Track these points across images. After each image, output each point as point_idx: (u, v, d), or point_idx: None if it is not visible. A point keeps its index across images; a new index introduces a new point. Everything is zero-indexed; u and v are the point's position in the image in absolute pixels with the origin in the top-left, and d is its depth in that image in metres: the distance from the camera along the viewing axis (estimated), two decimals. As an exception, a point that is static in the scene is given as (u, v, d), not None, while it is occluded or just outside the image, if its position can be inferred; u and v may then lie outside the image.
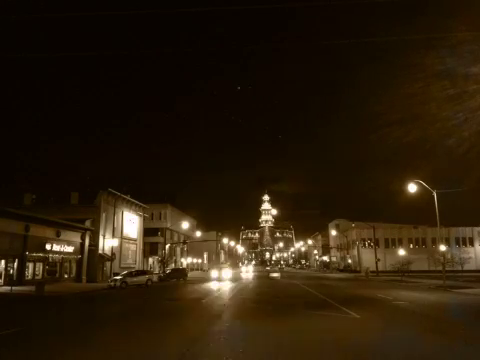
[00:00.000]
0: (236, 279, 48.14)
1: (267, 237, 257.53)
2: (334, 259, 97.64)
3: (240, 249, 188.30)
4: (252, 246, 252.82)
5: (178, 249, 79.79)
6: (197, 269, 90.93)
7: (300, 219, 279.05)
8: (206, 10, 56.68)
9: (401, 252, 60.83)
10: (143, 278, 36.57)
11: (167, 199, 75.13)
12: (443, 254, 37.35)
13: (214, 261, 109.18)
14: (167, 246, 63.10)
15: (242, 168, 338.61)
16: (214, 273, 56.11)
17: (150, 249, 65.89)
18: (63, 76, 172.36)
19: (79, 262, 41.24)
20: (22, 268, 32.36)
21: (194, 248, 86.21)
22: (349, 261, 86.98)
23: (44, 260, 35.74)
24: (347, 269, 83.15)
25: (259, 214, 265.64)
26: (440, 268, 38.32)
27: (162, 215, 72.46)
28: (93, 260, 42.97)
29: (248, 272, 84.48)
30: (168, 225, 67.74)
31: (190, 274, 60.53)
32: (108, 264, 44.50)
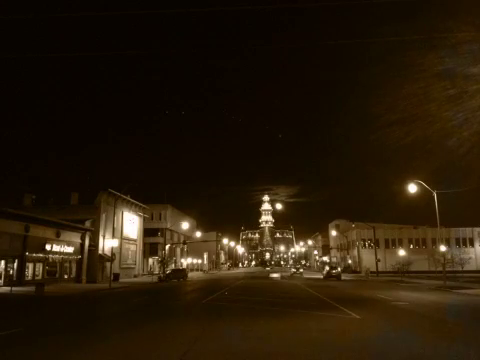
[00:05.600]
0: None
1: (267, 238, 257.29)
2: (334, 259, 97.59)
3: (240, 249, 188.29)
4: (252, 246, 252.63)
5: (178, 249, 79.80)
6: (197, 269, 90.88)
7: (300, 219, 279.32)
8: (206, 10, 56.71)
9: (401, 252, 60.78)
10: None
11: (167, 199, 75.30)
12: (443, 254, 37.30)
13: (214, 261, 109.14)
14: (167, 246, 63.07)
15: (242, 168, 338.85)
16: None
17: (150, 249, 65.98)
18: (64, 77, 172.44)
19: (79, 262, 41.20)
20: (22, 268, 32.31)
21: (194, 248, 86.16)
22: (349, 261, 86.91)
23: (44, 260, 35.69)
24: (347, 269, 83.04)
25: (259, 214, 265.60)
26: (440, 269, 38.29)
27: (162, 215, 72.50)
28: (93, 260, 42.95)
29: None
30: (168, 225, 67.72)
31: (190, 275, 60.50)
32: (108, 264, 44.45)
